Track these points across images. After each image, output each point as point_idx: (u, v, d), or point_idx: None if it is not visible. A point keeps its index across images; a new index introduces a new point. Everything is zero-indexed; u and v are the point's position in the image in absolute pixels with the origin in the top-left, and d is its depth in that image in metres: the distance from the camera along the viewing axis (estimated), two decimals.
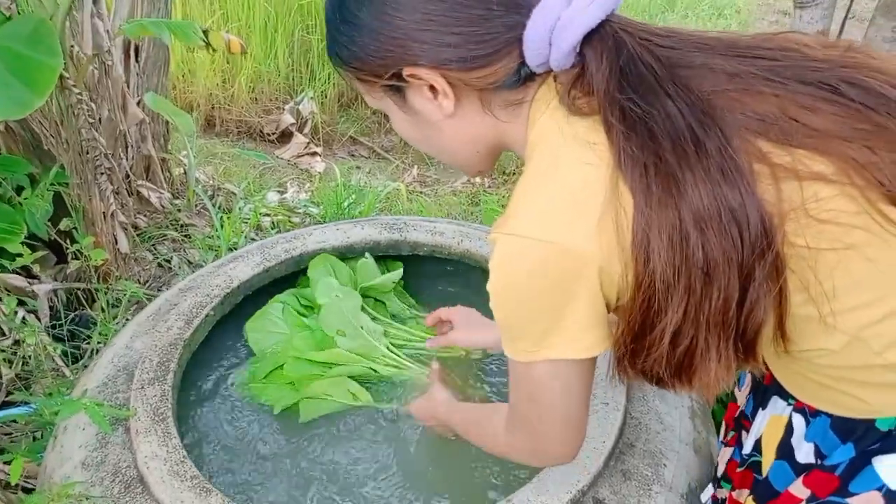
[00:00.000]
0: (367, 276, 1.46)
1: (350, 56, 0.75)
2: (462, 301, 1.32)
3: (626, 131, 0.65)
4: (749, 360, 0.70)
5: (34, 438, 1.58)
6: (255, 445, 1.23)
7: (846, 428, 0.78)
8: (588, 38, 0.69)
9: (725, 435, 1.07)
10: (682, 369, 0.70)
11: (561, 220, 0.66)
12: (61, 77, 1.65)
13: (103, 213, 1.84)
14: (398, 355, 1.35)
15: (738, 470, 0.98)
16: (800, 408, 0.83)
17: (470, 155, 0.84)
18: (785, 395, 0.86)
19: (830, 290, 0.66)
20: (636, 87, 0.66)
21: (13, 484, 1.09)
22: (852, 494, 0.76)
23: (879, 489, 0.74)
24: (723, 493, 1.04)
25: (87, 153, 1.81)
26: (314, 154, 3.38)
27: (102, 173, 1.81)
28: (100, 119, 2.01)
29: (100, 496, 1.00)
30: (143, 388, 1.11)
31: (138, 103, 2.25)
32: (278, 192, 2.87)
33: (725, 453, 1.04)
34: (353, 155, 3.50)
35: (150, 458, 1.01)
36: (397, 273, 1.46)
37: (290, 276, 1.45)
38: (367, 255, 1.47)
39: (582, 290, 0.68)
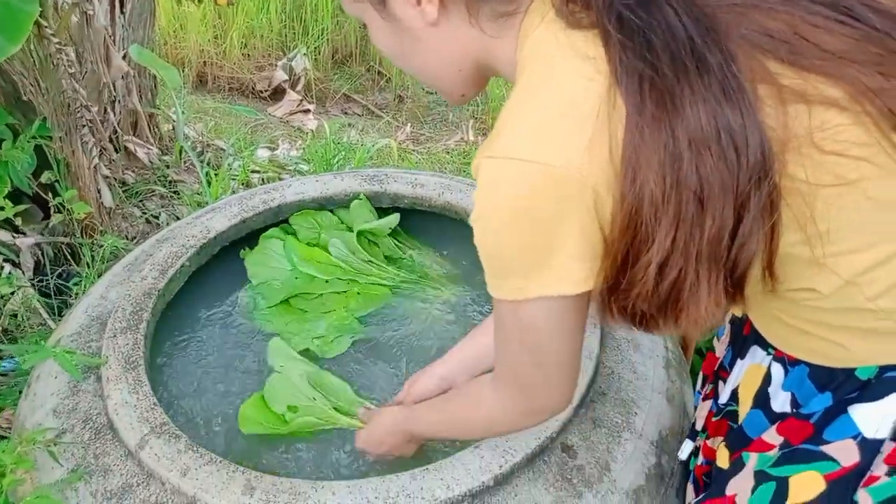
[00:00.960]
0: (362, 217, 1.45)
1: None
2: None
3: (622, 41, 0.61)
4: (737, 297, 0.66)
5: (20, 393, 1.60)
6: (230, 397, 1.24)
7: (825, 377, 0.76)
8: None
9: (703, 387, 1.06)
10: (670, 304, 0.65)
11: (551, 138, 0.62)
12: (39, 25, 1.63)
13: (86, 166, 1.83)
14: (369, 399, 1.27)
15: (714, 419, 0.98)
16: (779, 357, 0.82)
17: (452, 74, 0.78)
18: (764, 345, 0.84)
19: (826, 231, 0.63)
20: None
21: None
22: (826, 442, 0.75)
23: (854, 437, 0.72)
24: (698, 441, 1.04)
25: (69, 105, 1.80)
26: (307, 111, 3.34)
27: (84, 125, 1.79)
28: (83, 72, 1.98)
29: (70, 442, 1.00)
30: (115, 336, 1.11)
31: (124, 56, 2.22)
32: (269, 148, 2.85)
33: (704, 407, 1.03)
34: (346, 112, 3.46)
35: (119, 405, 1.02)
36: (394, 217, 1.45)
37: (269, 228, 1.44)
38: (361, 195, 1.45)
39: (575, 216, 0.63)
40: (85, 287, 1.73)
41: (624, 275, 0.65)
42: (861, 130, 0.61)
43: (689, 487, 1.04)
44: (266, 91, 3.44)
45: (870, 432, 0.72)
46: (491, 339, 0.92)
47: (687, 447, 1.03)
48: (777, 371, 0.82)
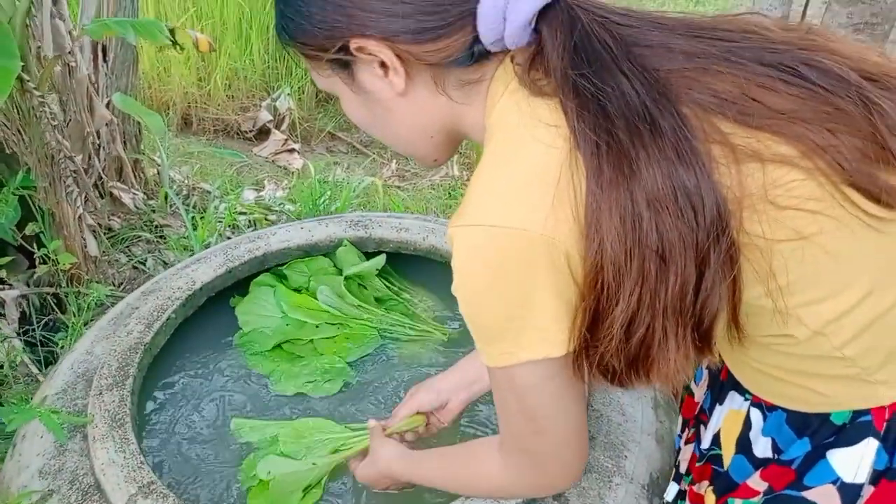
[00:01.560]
0: (349, 261, 1.46)
1: (296, 29, 0.73)
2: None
3: (578, 109, 0.63)
4: (705, 351, 0.68)
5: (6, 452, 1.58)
6: (218, 450, 1.23)
7: (802, 422, 0.78)
8: (543, 14, 0.67)
9: (683, 431, 1.07)
10: (640, 360, 0.67)
11: (517, 204, 0.64)
12: (21, 79, 1.63)
13: (71, 216, 1.83)
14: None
15: (698, 464, 0.98)
16: (757, 402, 0.83)
17: (424, 140, 0.80)
18: (742, 390, 0.86)
19: (786, 284, 0.65)
20: (590, 64, 0.64)
21: None
22: (807, 488, 0.76)
23: (834, 482, 0.74)
24: (684, 486, 1.04)
25: (53, 157, 1.80)
26: (292, 151, 3.36)
27: (69, 176, 1.80)
28: (66, 121, 1.99)
29: (57, 503, 0.99)
30: (101, 394, 1.10)
31: (108, 104, 2.23)
32: (255, 189, 2.86)
33: (686, 450, 1.04)
34: (331, 151, 3.49)
35: (106, 464, 1.01)
36: (380, 259, 1.46)
37: (255, 276, 1.44)
38: (345, 242, 1.46)
39: (548, 278, 0.65)
40: (71, 340, 1.72)
41: (593, 333, 0.66)
42: (814, 185, 0.63)
43: None
44: (251, 131, 3.46)
45: (848, 477, 0.73)
46: None
47: (672, 489, 1.04)
48: (756, 416, 0.83)
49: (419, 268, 1.53)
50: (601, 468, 1.07)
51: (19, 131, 1.74)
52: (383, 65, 0.71)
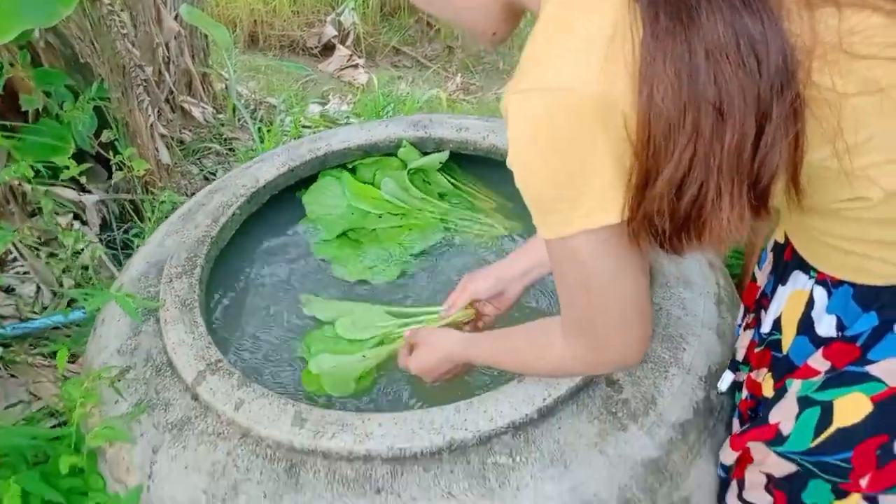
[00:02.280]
0: (412, 159, 1.47)
1: None
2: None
3: None
4: (761, 212, 0.64)
5: None
6: (282, 333, 1.29)
7: (869, 296, 0.74)
8: None
9: (744, 317, 1.04)
10: (691, 221, 0.63)
11: (572, 63, 0.61)
12: None
13: (143, 125, 1.89)
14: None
15: (757, 350, 0.96)
16: (822, 280, 0.79)
17: (482, 8, 0.77)
18: (806, 269, 0.82)
19: (854, 143, 0.61)
20: None
21: (60, 373, 1.17)
22: (871, 362, 0.73)
23: None
24: (741, 375, 1.02)
25: (124, 67, 1.85)
26: (356, 66, 3.35)
27: (140, 85, 1.84)
28: (136, 33, 2.03)
29: (133, 378, 1.06)
30: (171, 281, 1.16)
31: (175, 17, 2.26)
32: (320, 104, 2.87)
33: (745, 336, 1.01)
34: (396, 66, 3.45)
35: (177, 344, 1.07)
36: (443, 154, 1.46)
37: (316, 175, 1.47)
38: (405, 142, 1.47)
39: (603, 139, 0.62)
40: (145, 238, 1.80)
41: (645, 194, 0.63)
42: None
43: (735, 422, 1.03)
44: (316, 47, 3.46)
45: None
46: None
47: (727, 378, 1.02)
48: (820, 295, 0.80)
49: (480, 169, 1.52)
50: (657, 359, 1.06)
51: (92, 42, 1.78)
52: None
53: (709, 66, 0.57)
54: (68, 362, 1.50)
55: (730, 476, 1.01)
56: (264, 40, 3.47)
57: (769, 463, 0.90)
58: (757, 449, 0.92)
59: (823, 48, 0.58)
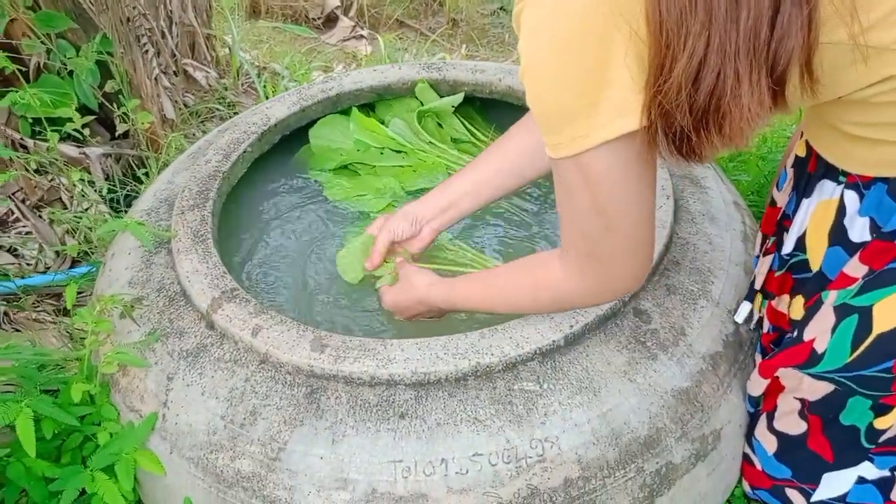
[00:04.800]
0: (428, 99, 1.44)
1: None
2: None
3: None
4: (779, 100, 0.62)
5: None
6: (297, 266, 1.26)
7: None
8: None
9: (763, 245, 1.01)
10: (709, 113, 0.60)
11: None
12: None
13: (147, 76, 1.85)
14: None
15: (776, 275, 0.92)
16: (852, 183, 0.77)
17: None
18: (834, 175, 0.79)
19: (877, 18, 0.58)
20: None
21: (69, 309, 1.13)
22: None
23: None
24: (762, 312, 0.99)
25: (128, 18, 1.80)
26: (360, 37, 3.30)
27: (143, 35, 1.80)
28: None
29: (146, 306, 1.03)
30: (183, 213, 1.12)
31: None
32: (324, 70, 2.83)
33: (764, 263, 0.98)
34: (400, 37, 3.40)
35: (191, 273, 1.03)
36: (458, 97, 1.42)
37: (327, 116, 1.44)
38: (422, 81, 1.43)
39: (619, 37, 0.60)
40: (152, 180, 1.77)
41: (661, 89, 0.60)
42: None
43: (758, 357, 1.00)
44: (319, 18, 3.40)
45: None
46: (464, 184, 1.03)
47: (744, 308, 0.99)
48: (851, 198, 0.77)
49: (501, 116, 1.49)
50: (686, 291, 1.03)
51: None
52: None
53: None
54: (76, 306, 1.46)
55: (759, 410, 0.99)
56: (266, 11, 3.41)
57: (803, 388, 0.87)
58: (788, 376, 0.89)
59: None
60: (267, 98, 2.35)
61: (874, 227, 0.75)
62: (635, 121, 0.63)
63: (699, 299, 1.03)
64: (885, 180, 0.72)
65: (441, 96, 1.44)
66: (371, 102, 1.45)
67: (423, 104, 1.41)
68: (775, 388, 0.93)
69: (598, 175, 0.68)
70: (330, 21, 3.43)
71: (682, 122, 0.61)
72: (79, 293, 1.50)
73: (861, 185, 0.76)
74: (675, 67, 0.58)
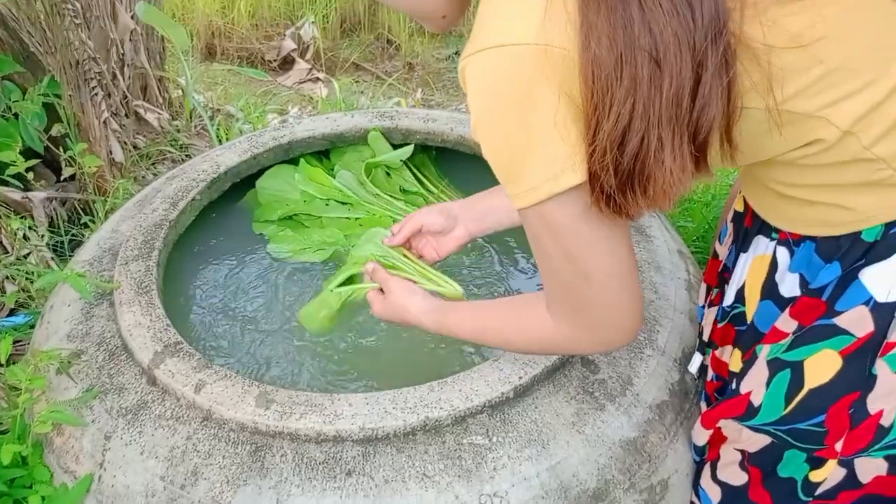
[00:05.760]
0: (380, 149, 1.44)
1: None
2: None
3: None
4: (701, 165, 0.64)
5: None
6: (241, 318, 1.24)
7: (831, 247, 0.74)
8: None
9: (707, 296, 1.03)
10: (636, 175, 0.63)
11: (513, 20, 0.61)
12: None
13: (96, 119, 1.82)
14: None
15: (720, 325, 0.95)
16: (783, 240, 0.80)
17: None
18: (768, 232, 0.82)
19: (792, 93, 0.62)
20: None
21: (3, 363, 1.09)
22: (838, 313, 0.72)
23: (866, 303, 0.70)
24: (707, 358, 1.01)
25: (78, 61, 1.78)
26: (316, 80, 3.32)
27: (93, 78, 1.78)
28: (88, 26, 1.96)
29: (84, 361, 0.99)
30: (127, 263, 1.10)
31: (132, 17, 2.21)
32: (279, 113, 2.83)
33: (709, 315, 1.00)
34: (356, 81, 3.43)
35: (133, 326, 1.01)
36: (407, 149, 1.42)
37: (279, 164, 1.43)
38: (375, 129, 1.44)
39: (556, 95, 0.62)
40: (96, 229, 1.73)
41: (590, 150, 0.63)
42: None
43: (702, 405, 1.02)
44: (275, 61, 3.42)
45: (881, 296, 0.69)
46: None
47: (696, 360, 1.01)
48: (783, 254, 0.80)
49: (453, 165, 1.50)
50: (633, 341, 1.04)
51: (43, 30, 1.72)
52: None
53: (643, 16, 0.57)
54: (10, 362, 1.41)
55: (704, 459, 1.00)
56: (222, 52, 3.42)
57: (743, 439, 0.89)
58: (729, 427, 0.90)
59: None
60: (220, 140, 2.34)
61: (803, 283, 0.77)
62: (579, 174, 0.65)
63: (645, 348, 1.04)
64: (813, 238, 0.75)
65: (393, 144, 1.45)
66: (324, 150, 1.46)
67: (375, 153, 1.42)
68: (718, 439, 0.94)
69: (560, 224, 0.69)
70: (286, 63, 3.45)
71: (609, 182, 0.63)
72: (16, 342, 1.45)
73: (792, 241, 0.78)
74: (601, 130, 0.61)
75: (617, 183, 0.63)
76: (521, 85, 0.62)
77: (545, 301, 0.82)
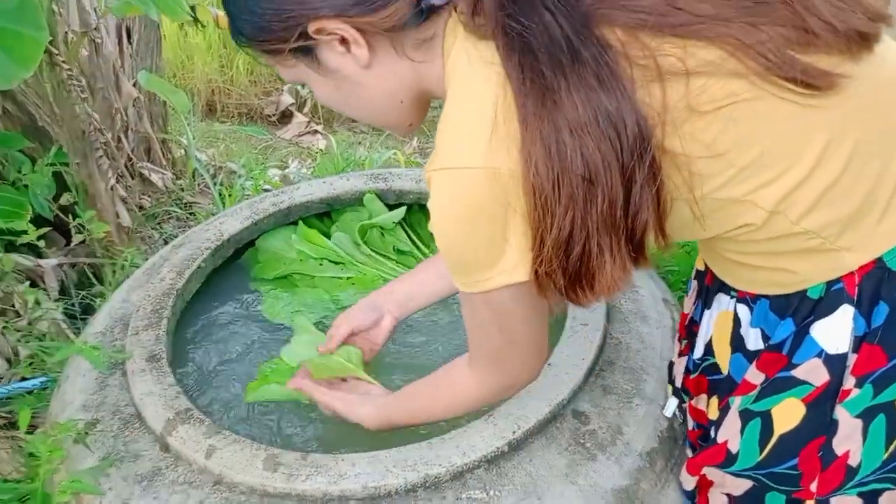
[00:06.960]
0: (375, 210, 1.52)
1: (253, 29, 0.75)
2: None
3: (506, 47, 0.67)
4: (640, 261, 0.73)
5: None
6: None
7: (783, 305, 0.80)
8: None
9: (678, 346, 1.09)
10: (580, 276, 0.71)
11: (468, 143, 0.68)
12: (50, 53, 1.69)
13: (103, 188, 1.89)
14: None
15: (691, 377, 1.00)
16: (742, 298, 0.87)
17: (395, 106, 0.82)
18: (727, 290, 0.89)
19: (709, 192, 0.70)
20: (516, 2, 0.67)
21: (22, 433, 1.14)
22: (795, 366, 0.78)
23: (819, 355, 0.76)
24: (684, 405, 1.06)
25: (84, 131, 1.86)
26: (314, 132, 3.41)
27: (99, 148, 1.86)
28: (93, 97, 2.05)
29: (100, 431, 1.04)
30: (137, 333, 1.16)
31: (134, 84, 2.30)
32: (279, 167, 2.91)
33: (680, 363, 1.06)
34: (353, 131, 3.53)
35: (145, 395, 1.06)
36: (399, 212, 1.50)
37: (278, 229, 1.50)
38: (370, 192, 1.51)
39: (508, 210, 0.69)
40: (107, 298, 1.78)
41: (538, 257, 0.71)
42: (739, 83, 0.66)
43: (687, 452, 1.06)
44: (274, 115, 3.52)
45: (832, 348, 0.76)
46: (427, 277, 1.13)
47: (672, 404, 1.07)
48: (743, 311, 0.87)
49: None
50: (621, 390, 1.10)
51: (50, 104, 1.80)
52: (343, 41, 0.74)
53: (574, 142, 0.65)
54: (27, 433, 1.45)
55: (695, 503, 1.04)
56: (222, 109, 3.52)
57: (727, 484, 0.93)
58: (713, 473, 0.95)
59: (674, 112, 0.66)
60: (222, 198, 2.42)
61: (765, 338, 0.84)
62: (526, 274, 0.74)
63: (634, 397, 1.09)
64: (767, 296, 0.82)
65: (388, 204, 1.52)
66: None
67: (371, 214, 1.49)
68: (705, 484, 0.99)
69: (501, 306, 0.79)
70: (285, 117, 3.55)
71: (559, 282, 0.72)
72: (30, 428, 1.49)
73: (749, 299, 0.85)
74: (547, 240, 0.69)
75: (566, 283, 0.72)
76: (473, 205, 0.70)
77: (467, 360, 0.93)
